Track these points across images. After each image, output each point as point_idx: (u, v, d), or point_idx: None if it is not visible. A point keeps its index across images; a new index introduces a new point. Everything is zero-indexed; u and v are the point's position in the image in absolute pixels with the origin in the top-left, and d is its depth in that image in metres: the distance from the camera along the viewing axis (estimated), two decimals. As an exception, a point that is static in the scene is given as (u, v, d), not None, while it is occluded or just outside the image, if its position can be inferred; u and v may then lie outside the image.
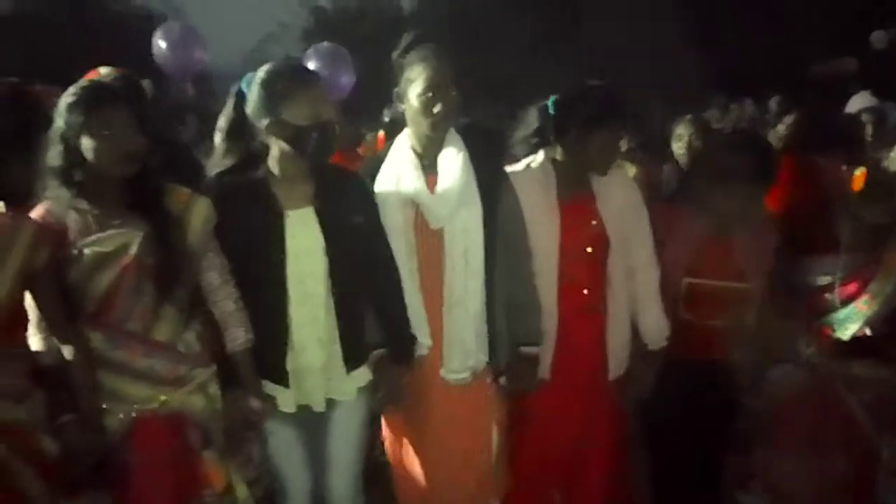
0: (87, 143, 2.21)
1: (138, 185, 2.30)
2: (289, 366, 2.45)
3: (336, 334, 2.48)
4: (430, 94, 2.49)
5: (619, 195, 2.82)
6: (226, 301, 2.41)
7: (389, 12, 21.05)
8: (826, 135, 4.39)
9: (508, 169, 2.78)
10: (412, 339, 2.59)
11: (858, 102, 5.87)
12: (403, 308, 2.58)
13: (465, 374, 2.60)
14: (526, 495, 2.80)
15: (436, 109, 2.50)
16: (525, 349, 2.68)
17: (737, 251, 2.82)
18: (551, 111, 2.80)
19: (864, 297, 2.75)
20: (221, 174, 2.49)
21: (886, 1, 9.08)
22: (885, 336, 2.77)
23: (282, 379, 2.46)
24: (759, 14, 10.30)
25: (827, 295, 2.80)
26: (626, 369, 2.84)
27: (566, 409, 2.78)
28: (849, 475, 2.82)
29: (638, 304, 2.85)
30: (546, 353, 2.74)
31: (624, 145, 4.08)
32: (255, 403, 2.42)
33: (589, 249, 2.76)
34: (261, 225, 2.42)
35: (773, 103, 4.75)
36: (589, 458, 2.82)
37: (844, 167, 3.13)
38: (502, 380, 2.69)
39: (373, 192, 2.61)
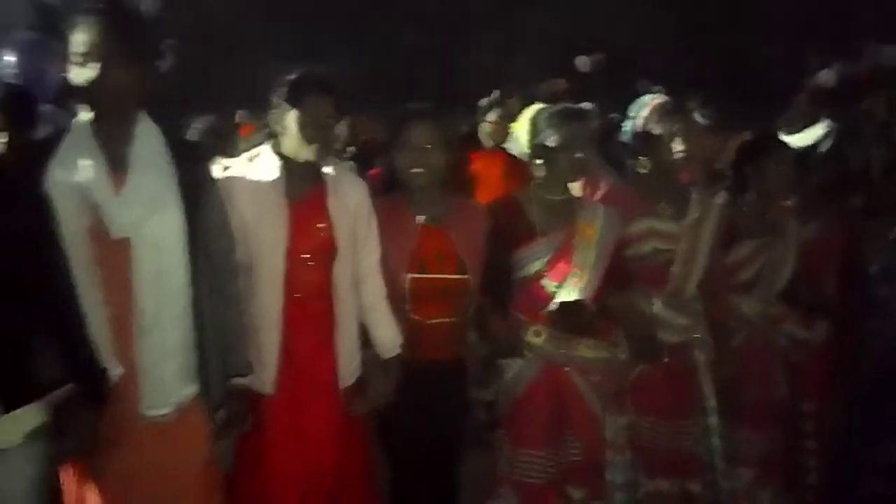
0: None
1: None
2: None
3: None
4: (81, 53, 2.08)
5: (354, 194, 2.59)
6: None
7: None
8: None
9: (220, 167, 2.44)
10: (104, 372, 2.14)
11: None
12: (87, 335, 2.11)
13: (167, 410, 2.19)
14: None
15: (89, 74, 2.07)
16: (235, 381, 2.35)
17: (453, 240, 2.71)
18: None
19: (574, 270, 2.76)
20: None
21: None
22: (601, 310, 2.82)
23: None
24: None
25: (542, 282, 2.78)
26: (358, 378, 2.62)
27: (297, 424, 2.51)
28: (584, 457, 2.80)
29: (367, 315, 2.64)
30: (269, 367, 2.46)
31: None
32: None
33: (310, 256, 2.49)
34: None
35: (483, 101, 4.77)
36: (337, 476, 2.55)
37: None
38: (218, 415, 2.32)
39: (38, 186, 2.09)
